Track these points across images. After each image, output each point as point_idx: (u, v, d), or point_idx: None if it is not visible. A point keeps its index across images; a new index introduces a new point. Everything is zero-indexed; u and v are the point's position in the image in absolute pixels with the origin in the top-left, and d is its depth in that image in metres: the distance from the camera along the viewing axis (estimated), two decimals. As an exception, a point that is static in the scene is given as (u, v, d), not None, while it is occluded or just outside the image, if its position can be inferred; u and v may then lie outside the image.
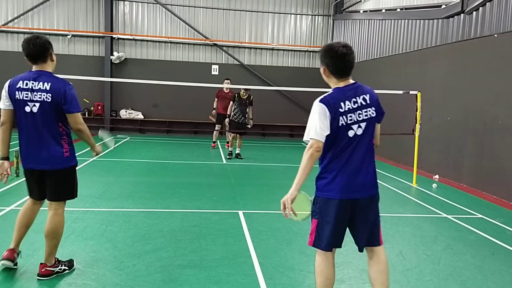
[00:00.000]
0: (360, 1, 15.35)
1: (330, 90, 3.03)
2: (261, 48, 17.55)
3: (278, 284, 3.86)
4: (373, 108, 3.00)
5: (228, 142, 13.58)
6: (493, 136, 8.05)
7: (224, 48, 17.30)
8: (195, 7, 16.98)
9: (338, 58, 2.95)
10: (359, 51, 14.97)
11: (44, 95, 3.59)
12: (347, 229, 3.10)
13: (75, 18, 16.54)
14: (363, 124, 2.95)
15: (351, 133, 2.93)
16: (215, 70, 17.16)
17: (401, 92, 9.11)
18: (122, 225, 5.30)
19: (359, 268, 4.27)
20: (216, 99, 12.55)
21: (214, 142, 13.24)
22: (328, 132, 2.88)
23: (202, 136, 16.07)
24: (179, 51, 17.20)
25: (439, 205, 7.02)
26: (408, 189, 8.30)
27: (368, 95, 3.00)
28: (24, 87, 3.61)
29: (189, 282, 3.80)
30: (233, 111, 11.22)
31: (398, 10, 12.27)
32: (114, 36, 16.62)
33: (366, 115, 2.97)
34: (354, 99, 2.95)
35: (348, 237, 3.10)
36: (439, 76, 9.92)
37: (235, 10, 17.21)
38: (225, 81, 12.15)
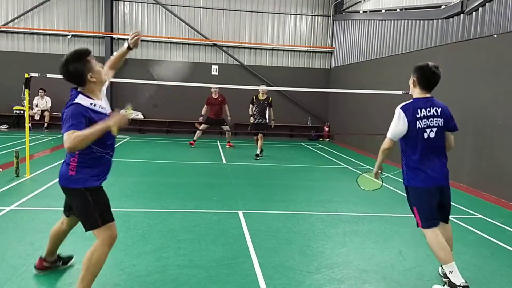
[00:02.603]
0: (360, 1, 15.35)
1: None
2: (261, 49, 17.55)
3: (278, 284, 3.86)
4: (442, 119, 3.82)
5: (229, 142, 13.61)
6: (492, 136, 8.05)
7: (224, 48, 17.31)
8: (195, 7, 16.99)
9: (428, 75, 3.80)
10: (359, 51, 14.98)
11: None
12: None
13: (75, 18, 16.55)
14: (434, 129, 3.80)
15: (425, 135, 3.78)
16: (215, 70, 17.17)
17: (401, 92, 9.11)
18: (122, 225, 5.28)
19: (359, 268, 4.27)
20: (206, 106, 13.21)
21: (194, 140, 13.37)
22: (403, 133, 3.80)
23: (202, 136, 16.02)
24: (179, 51, 17.21)
25: (439, 205, 7.01)
26: (408, 189, 8.29)
27: (440, 108, 3.83)
28: None
29: (189, 282, 3.80)
30: (253, 113, 11.71)
31: (398, 10, 12.28)
32: (114, 36, 16.63)
33: (436, 123, 3.80)
34: (428, 109, 3.80)
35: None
36: (439, 76, 9.91)
37: (235, 10, 17.21)
38: (213, 89, 13.09)
